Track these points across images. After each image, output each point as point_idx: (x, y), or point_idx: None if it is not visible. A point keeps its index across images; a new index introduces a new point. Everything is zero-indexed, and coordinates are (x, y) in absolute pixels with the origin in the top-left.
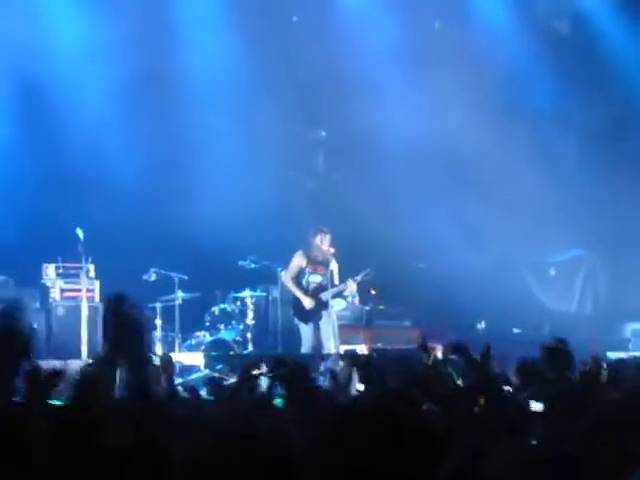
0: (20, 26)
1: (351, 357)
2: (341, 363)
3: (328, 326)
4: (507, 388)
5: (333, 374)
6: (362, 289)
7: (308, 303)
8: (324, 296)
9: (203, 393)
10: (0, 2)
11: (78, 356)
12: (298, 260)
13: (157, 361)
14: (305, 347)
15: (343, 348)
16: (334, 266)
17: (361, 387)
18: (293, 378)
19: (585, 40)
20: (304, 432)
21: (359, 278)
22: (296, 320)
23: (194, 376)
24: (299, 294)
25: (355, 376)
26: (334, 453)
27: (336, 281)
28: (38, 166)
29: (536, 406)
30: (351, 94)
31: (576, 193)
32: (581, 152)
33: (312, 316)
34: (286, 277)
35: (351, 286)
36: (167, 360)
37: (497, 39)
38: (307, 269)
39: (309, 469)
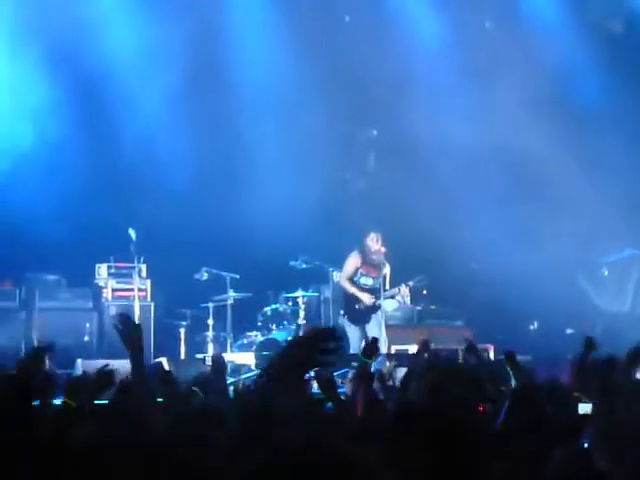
0: (80, 27)
1: (398, 357)
2: (387, 364)
3: (375, 327)
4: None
5: (380, 375)
6: (414, 290)
7: (367, 299)
8: (378, 298)
9: None
10: (60, 3)
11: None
12: (353, 260)
13: (209, 361)
14: (353, 349)
15: (394, 348)
16: (387, 270)
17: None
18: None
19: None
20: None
21: (412, 284)
22: (342, 321)
23: (245, 376)
24: (356, 291)
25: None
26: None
27: (387, 284)
28: (93, 166)
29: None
30: (402, 93)
31: (629, 192)
32: (633, 151)
33: (362, 316)
34: (342, 277)
35: (403, 291)
36: (219, 360)
37: (549, 39)
38: (360, 270)
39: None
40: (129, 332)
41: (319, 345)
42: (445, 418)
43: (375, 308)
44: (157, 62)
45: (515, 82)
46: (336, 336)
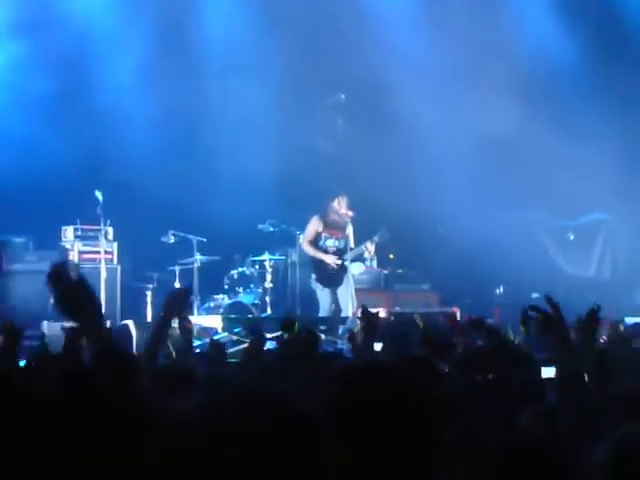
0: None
1: (367, 314)
2: (358, 323)
3: (346, 290)
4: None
5: (351, 335)
6: (380, 252)
7: (332, 260)
8: (345, 259)
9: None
10: None
11: None
12: (314, 225)
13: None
14: (323, 311)
15: (360, 312)
16: (349, 230)
17: (378, 346)
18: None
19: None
20: (316, 394)
21: (376, 239)
22: (313, 284)
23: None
24: (321, 255)
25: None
26: (345, 414)
27: (352, 244)
28: (58, 129)
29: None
30: (371, 57)
31: (600, 156)
32: (602, 113)
33: (334, 280)
34: (304, 242)
35: (369, 247)
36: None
37: (521, 10)
38: (324, 233)
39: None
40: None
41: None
42: (396, 376)
43: (344, 269)
44: (124, 28)
45: (475, 42)
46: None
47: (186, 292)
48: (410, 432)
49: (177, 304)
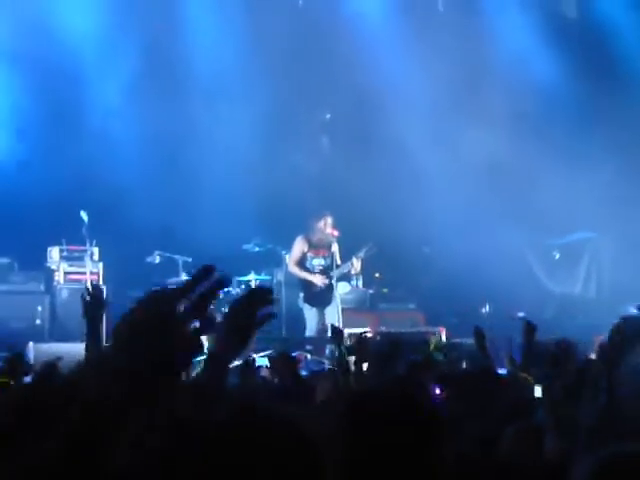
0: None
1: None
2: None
3: (333, 309)
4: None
5: (334, 355)
6: (366, 272)
7: (320, 280)
8: (332, 276)
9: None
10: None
11: (82, 339)
12: (299, 245)
13: None
14: (310, 330)
15: (347, 331)
16: (335, 247)
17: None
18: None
19: (592, 24)
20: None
21: (362, 254)
22: (300, 303)
23: (197, 359)
24: (307, 275)
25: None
26: (347, 439)
27: (338, 261)
28: (45, 149)
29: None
30: (356, 76)
31: (581, 174)
32: (586, 133)
33: (322, 299)
34: (289, 263)
35: (355, 264)
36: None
37: (501, 24)
38: (309, 253)
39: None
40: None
41: (255, 305)
42: (396, 397)
43: (331, 288)
44: (112, 50)
45: (467, 68)
46: (271, 292)
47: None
48: (417, 452)
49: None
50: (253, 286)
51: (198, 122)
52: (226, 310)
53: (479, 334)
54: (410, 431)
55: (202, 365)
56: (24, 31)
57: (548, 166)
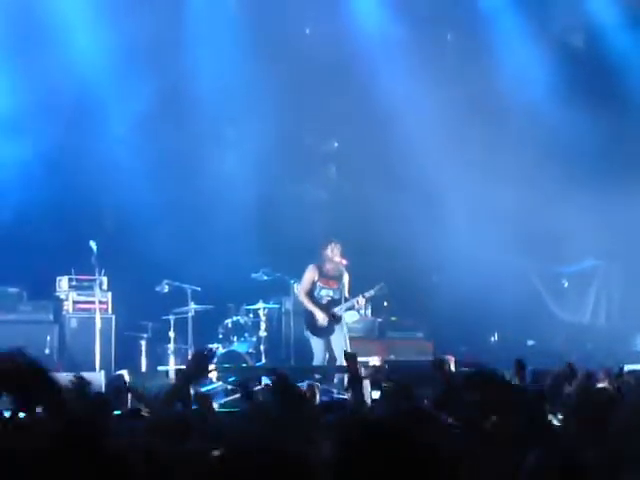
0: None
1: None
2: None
3: (340, 339)
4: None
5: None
6: (374, 300)
7: (322, 319)
8: (337, 311)
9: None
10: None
11: (92, 369)
12: (310, 274)
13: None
14: (317, 360)
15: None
16: (346, 279)
17: (376, 395)
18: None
19: (599, 54)
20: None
21: (373, 292)
22: (307, 333)
23: (206, 388)
24: (313, 308)
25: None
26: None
27: (347, 293)
28: (53, 180)
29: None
30: (364, 105)
31: (589, 201)
32: (595, 160)
33: (324, 330)
34: (300, 292)
35: (360, 301)
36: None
37: (509, 51)
38: (319, 282)
39: None
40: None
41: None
42: (410, 438)
43: (337, 319)
44: (122, 79)
45: (473, 95)
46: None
47: (210, 354)
48: None
49: (200, 365)
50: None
51: (206, 151)
52: (234, 338)
53: (520, 365)
54: (405, 468)
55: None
56: (36, 58)
57: (556, 194)
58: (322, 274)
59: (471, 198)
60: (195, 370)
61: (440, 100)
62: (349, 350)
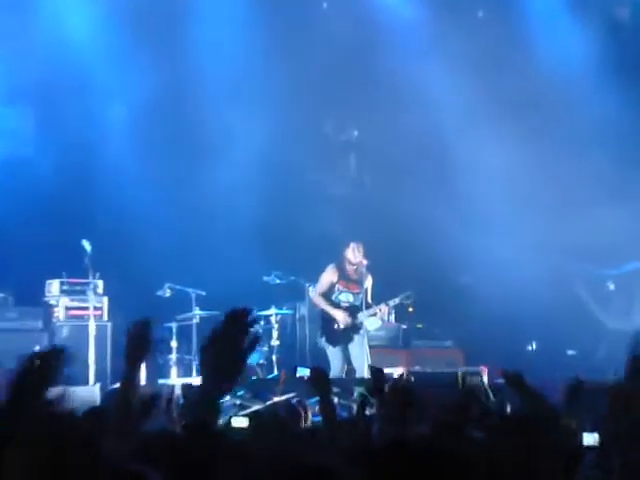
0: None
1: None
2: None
3: (361, 348)
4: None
5: (363, 402)
6: (399, 306)
7: (342, 319)
8: (359, 317)
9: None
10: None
11: (85, 382)
12: (329, 275)
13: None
14: (334, 371)
15: None
16: (369, 282)
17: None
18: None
19: None
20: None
21: (398, 300)
22: (321, 342)
23: None
24: (330, 309)
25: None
26: None
27: (369, 298)
28: (41, 174)
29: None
30: (387, 89)
31: (635, 199)
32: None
33: (342, 338)
34: (315, 293)
35: (383, 310)
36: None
37: (548, 28)
38: (338, 285)
39: None
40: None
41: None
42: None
43: (356, 327)
44: (120, 64)
45: (510, 77)
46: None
47: (147, 325)
48: None
49: (138, 346)
50: (229, 311)
51: (211, 142)
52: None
53: (515, 378)
54: None
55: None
56: (37, 74)
57: (602, 188)
58: (343, 276)
59: (506, 193)
60: (136, 352)
61: (473, 84)
62: (369, 361)
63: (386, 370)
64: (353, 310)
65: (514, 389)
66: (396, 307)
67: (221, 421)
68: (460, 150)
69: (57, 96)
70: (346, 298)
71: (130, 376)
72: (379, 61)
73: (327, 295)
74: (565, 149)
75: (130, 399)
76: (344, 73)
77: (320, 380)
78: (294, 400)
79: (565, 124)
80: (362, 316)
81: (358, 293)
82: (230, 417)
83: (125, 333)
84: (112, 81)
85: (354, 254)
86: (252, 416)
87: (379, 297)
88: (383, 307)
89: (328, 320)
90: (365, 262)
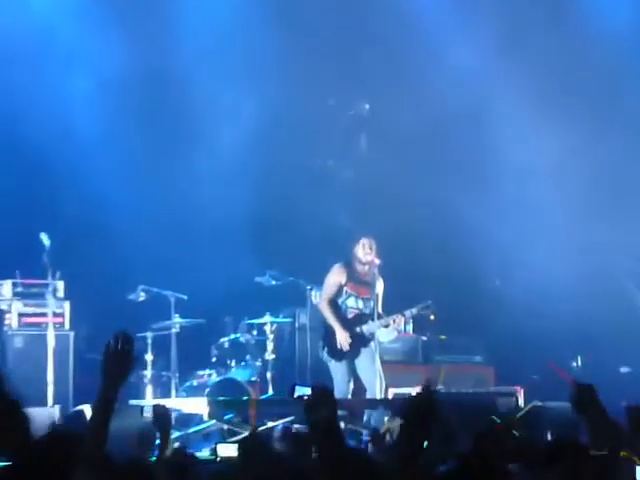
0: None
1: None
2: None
3: (371, 363)
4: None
5: (375, 436)
6: (418, 319)
7: (343, 340)
8: (367, 329)
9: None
10: None
11: (42, 402)
12: (337, 276)
13: (148, 412)
14: (338, 391)
15: (392, 392)
16: (380, 287)
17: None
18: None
19: None
20: None
21: (415, 311)
22: (323, 355)
23: (194, 429)
24: (335, 324)
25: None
26: None
27: (381, 306)
28: None
29: None
30: (401, 58)
31: None
32: None
33: (347, 351)
34: (322, 299)
35: (398, 321)
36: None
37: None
38: (346, 288)
39: None
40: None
41: None
42: None
43: (365, 339)
44: (89, 33)
45: (549, 51)
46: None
47: (127, 341)
48: None
49: (120, 363)
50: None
51: (195, 122)
52: (232, 362)
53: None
54: None
55: None
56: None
57: None
58: (351, 277)
59: (544, 181)
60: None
61: (504, 52)
62: (382, 380)
63: (402, 390)
64: (362, 319)
65: (580, 409)
66: (408, 320)
67: (207, 450)
68: (488, 127)
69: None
70: (355, 304)
71: (109, 397)
72: (393, 20)
73: (334, 300)
74: (612, 128)
75: (107, 425)
76: (351, 36)
77: (324, 401)
78: (293, 425)
79: (611, 102)
80: (373, 326)
81: (369, 299)
82: (216, 444)
83: (104, 348)
84: (77, 50)
85: (364, 251)
86: (242, 444)
87: (393, 304)
88: (398, 318)
89: (329, 332)
90: (377, 262)
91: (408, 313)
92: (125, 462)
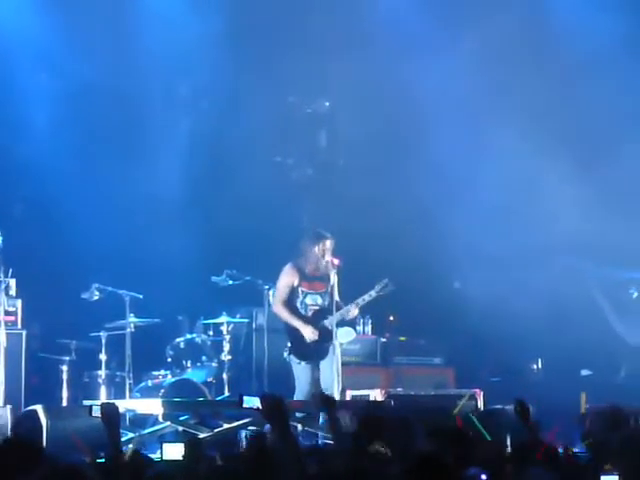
0: None
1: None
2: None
3: (331, 365)
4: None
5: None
6: (377, 312)
7: (310, 333)
8: (328, 323)
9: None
10: None
11: None
12: (288, 277)
13: (97, 412)
14: (300, 392)
15: (350, 394)
16: (334, 279)
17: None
18: None
19: None
20: None
21: (374, 293)
22: (289, 357)
23: (149, 430)
24: (295, 321)
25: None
26: None
27: (337, 296)
28: None
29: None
30: (362, 52)
31: None
32: None
33: (315, 350)
34: (275, 302)
35: (353, 312)
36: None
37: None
38: (301, 287)
39: None
40: None
41: None
42: None
43: (329, 335)
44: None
45: (516, 43)
46: None
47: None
48: None
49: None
50: None
51: (151, 116)
52: (188, 363)
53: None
54: None
55: None
56: None
57: (622, 182)
58: (304, 276)
59: (506, 178)
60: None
61: (470, 44)
62: (340, 382)
63: (361, 392)
64: (322, 314)
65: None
66: (374, 316)
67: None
68: (450, 124)
69: None
70: (313, 300)
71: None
72: (355, 11)
73: (290, 301)
74: (580, 126)
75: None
76: (312, 28)
77: (274, 411)
78: (249, 428)
79: (582, 101)
80: (333, 319)
81: (325, 292)
82: (162, 443)
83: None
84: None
85: (322, 250)
86: (189, 445)
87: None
88: (352, 308)
89: (295, 333)
90: (337, 262)
91: (367, 297)
92: (60, 464)
